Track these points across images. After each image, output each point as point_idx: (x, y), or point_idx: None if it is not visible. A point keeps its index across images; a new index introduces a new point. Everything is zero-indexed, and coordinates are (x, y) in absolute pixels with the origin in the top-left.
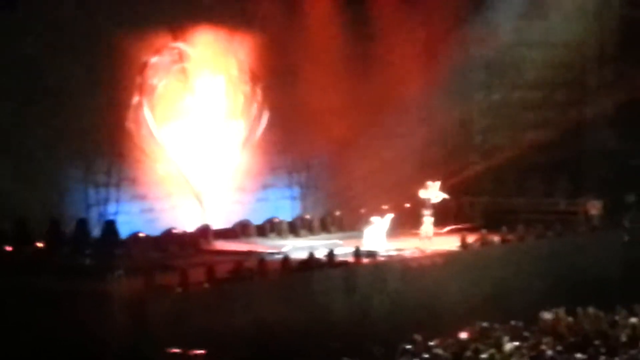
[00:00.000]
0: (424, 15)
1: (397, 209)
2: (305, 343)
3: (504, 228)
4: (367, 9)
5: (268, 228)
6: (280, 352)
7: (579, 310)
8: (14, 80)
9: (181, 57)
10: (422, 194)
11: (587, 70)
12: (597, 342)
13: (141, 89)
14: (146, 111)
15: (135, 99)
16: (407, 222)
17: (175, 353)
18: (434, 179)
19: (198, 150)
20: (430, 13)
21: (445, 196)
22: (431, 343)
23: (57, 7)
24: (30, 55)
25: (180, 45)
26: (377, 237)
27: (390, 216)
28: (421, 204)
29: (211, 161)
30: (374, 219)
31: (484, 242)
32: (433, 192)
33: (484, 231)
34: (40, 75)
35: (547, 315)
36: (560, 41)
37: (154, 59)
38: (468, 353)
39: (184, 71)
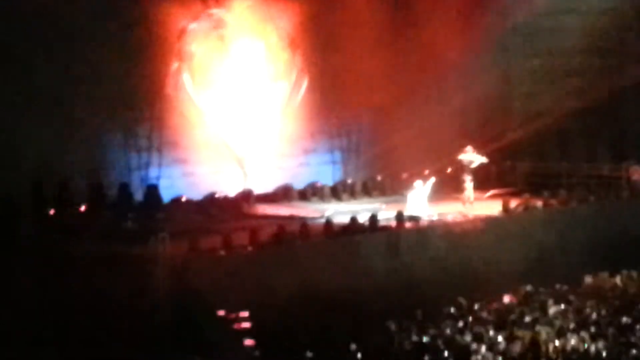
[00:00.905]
0: None
1: (438, 173)
2: (348, 307)
3: (546, 193)
4: None
5: (310, 192)
6: (324, 315)
7: (622, 273)
8: (55, 49)
9: (219, 23)
10: (462, 157)
11: (625, 36)
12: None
13: (180, 55)
14: (185, 77)
15: (175, 65)
16: (448, 187)
17: (219, 315)
18: (473, 144)
19: (238, 115)
20: None
21: (484, 160)
22: (475, 307)
23: None
24: (70, 25)
25: (218, 11)
26: (420, 201)
27: (432, 180)
28: (462, 168)
29: (252, 126)
30: (416, 183)
31: (526, 207)
32: (472, 155)
33: (526, 196)
34: (81, 43)
35: (590, 279)
36: (598, 8)
37: (192, 25)
38: (512, 317)
39: (222, 37)
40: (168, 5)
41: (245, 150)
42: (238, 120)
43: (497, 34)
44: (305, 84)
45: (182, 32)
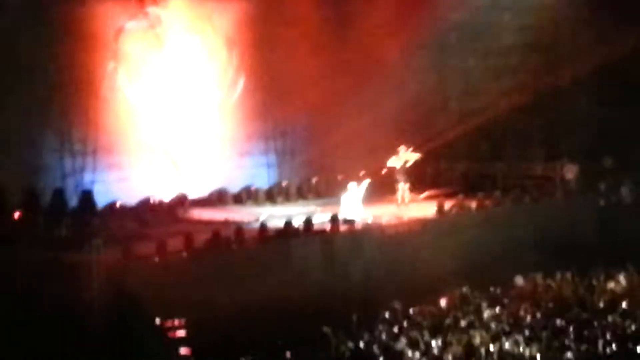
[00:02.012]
0: None
1: (373, 175)
2: (283, 311)
3: (481, 193)
4: None
5: (245, 196)
6: (257, 321)
7: (557, 275)
8: None
9: (155, 22)
10: (392, 161)
11: (561, 34)
12: (575, 308)
13: (116, 55)
14: (121, 77)
15: (111, 66)
16: (383, 189)
17: (155, 323)
18: (408, 144)
19: (173, 117)
20: None
21: (417, 156)
22: (410, 310)
23: None
24: (4, 25)
25: (154, 9)
26: (354, 203)
27: (366, 182)
28: (395, 170)
29: (187, 128)
30: (351, 185)
31: (460, 208)
32: (405, 155)
33: (460, 196)
34: (13, 44)
35: (525, 281)
36: (534, 4)
37: (128, 24)
38: (448, 321)
39: (158, 36)
40: (103, 4)
41: (179, 152)
42: (173, 122)
43: (432, 33)
44: (241, 84)
45: (119, 31)
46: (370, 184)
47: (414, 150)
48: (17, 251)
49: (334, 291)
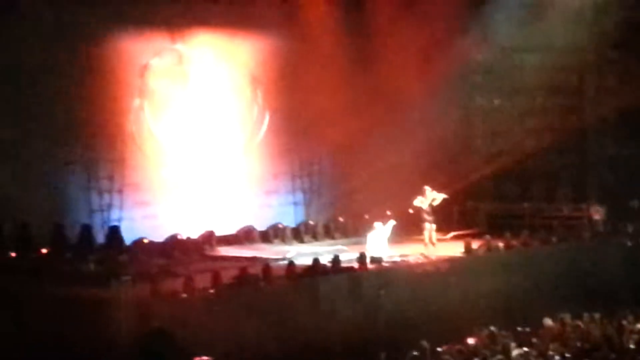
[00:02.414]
0: (423, 20)
1: (400, 214)
2: (310, 350)
3: (508, 234)
4: (367, 14)
5: (272, 234)
6: (285, 359)
7: (585, 315)
8: (13, 86)
9: (182, 59)
10: (418, 201)
11: (587, 75)
12: (604, 348)
13: (141, 92)
14: (147, 114)
15: (136, 102)
16: (410, 228)
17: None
18: (434, 184)
19: (200, 154)
20: (429, 17)
21: (444, 196)
22: (438, 349)
23: (56, 11)
24: (30, 61)
25: (180, 46)
26: (380, 242)
27: (392, 222)
28: (422, 210)
29: (213, 166)
30: (377, 224)
31: (488, 248)
32: (431, 195)
33: (487, 237)
34: (40, 80)
35: (553, 321)
36: (560, 46)
37: (153, 61)
38: (475, 359)
39: (184, 73)
40: (129, 41)
41: (206, 190)
42: (200, 159)
43: (458, 73)
44: (267, 122)
45: (144, 67)
46: (396, 224)
47: (440, 190)
48: (44, 287)
49: (362, 329)
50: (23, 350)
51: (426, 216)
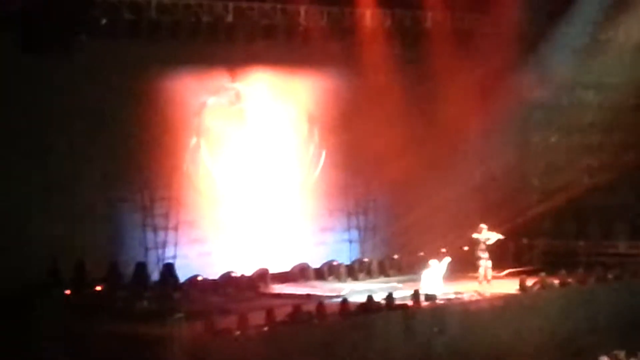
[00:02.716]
0: (481, 56)
1: (455, 251)
2: None
3: (563, 271)
4: (424, 51)
5: (326, 271)
6: None
7: None
8: (71, 125)
9: (238, 97)
10: (477, 235)
11: None
12: None
13: (198, 130)
14: (204, 153)
15: (193, 141)
16: (465, 265)
17: None
18: (490, 221)
19: (256, 192)
20: (486, 54)
21: (500, 237)
22: None
23: (113, 51)
24: (87, 100)
25: (237, 86)
26: (435, 280)
27: (447, 259)
28: (477, 246)
29: (269, 203)
30: (432, 262)
31: (543, 285)
32: (486, 234)
33: (543, 274)
34: (98, 119)
35: (608, 359)
36: (618, 82)
37: (211, 100)
38: None
39: (240, 112)
40: (187, 80)
41: (261, 227)
42: (255, 197)
43: (515, 109)
44: (322, 159)
45: (201, 106)
46: (450, 261)
47: (496, 227)
48: (99, 324)
49: None
50: None
51: (481, 253)
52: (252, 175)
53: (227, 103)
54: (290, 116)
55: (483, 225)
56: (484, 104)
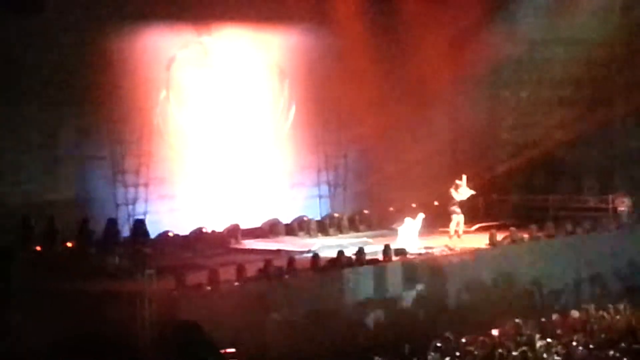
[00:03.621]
0: (452, 12)
1: (425, 206)
2: (334, 342)
3: (533, 225)
4: (394, 6)
5: (297, 227)
6: (309, 351)
7: (610, 307)
8: (39, 82)
9: (207, 52)
10: (453, 193)
11: (615, 67)
12: (628, 339)
13: (168, 85)
14: (174, 107)
15: (163, 95)
16: (435, 220)
17: (205, 352)
18: (460, 177)
19: (226, 147)
20: (457, 10)
21: (472, 192)
22: (463, 340)
23: (82, 6)
24: (55, 57)
25: (207, 39)
26: (410, 235)
27: (421, 216)
28: (449, 202)
29: (239, 159)
30: (407, 219)
31: (512, 240)
32: (462, 190)
33: (513, 229)
34: (67, 76)
35: (577, 313)
36: (589, 38)
37: (180, 54)
38: (500, 350)
39: (210, 66)
40: (156, 34)
41: (231, 182)
42: (225, 153)
43: (485, 65)
44: (292, 115)
45: (171, 60)
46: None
47: (468, 184)
48: (69, 281)
49: (386, 321)
50: (47, 344)
51: (455, 208)
52: (222, 130)
53: (196, 57)
54: (260, 70)
55: (458, 181)
56: (454, 59)
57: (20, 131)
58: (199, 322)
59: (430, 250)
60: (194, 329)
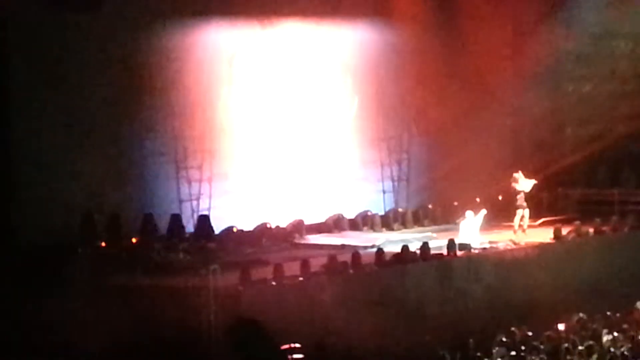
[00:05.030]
0: (513, 7)
1: (489, 201)
2: (400, 336)
3: (598, 219)
4: (456, 1)
5: (361, 222)
6: (376, 346)
7: None
8: (103, 79)
9: (269, 47)
10: (515, 186)
11: None
12: None
13: (230, 80)
14: (236, 102)
15: (225, 90)
16: (499, 215)
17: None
18: (523, 171)
19: (289, 143)
20: (519, 4)
21: (534, 182)
22: (529, 334)
23: (141, 2)
24: (119, 54)
25: (268, 34)
26: (472, 230)
27: (483, 212)
28: (514, 195)
29: (302, 154)
30: (469, 213)
31: (577, 234)
32: (523, 182)
33: (577, 223)
34: (130, 72)
35: None
36: None
37: (242, 49)
38: (566, 345)
39: (272, 61)
40: (218, 29)
41: (296, 178)
42: (288, 148)
43: (547, 59)
44: (355, 110)
45: (233, 55)
46: (486, 212)
47: (531, 177)
48: (134, 277)
49: (451, 316)
50: (112, 340)
51: (522, 202)
52: (285, 125)
53: (258, 52)
54: (322, 65)
55: (517, 175)
56: (516, 54)
57: (82, 128)
58: (262, 318)
59: (494, 245)
60: (254, 324)
